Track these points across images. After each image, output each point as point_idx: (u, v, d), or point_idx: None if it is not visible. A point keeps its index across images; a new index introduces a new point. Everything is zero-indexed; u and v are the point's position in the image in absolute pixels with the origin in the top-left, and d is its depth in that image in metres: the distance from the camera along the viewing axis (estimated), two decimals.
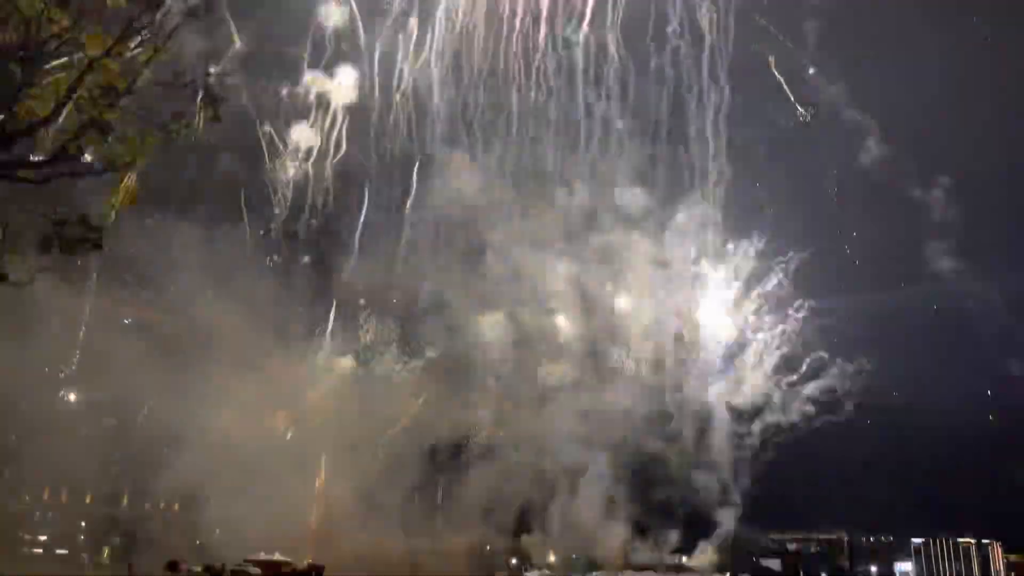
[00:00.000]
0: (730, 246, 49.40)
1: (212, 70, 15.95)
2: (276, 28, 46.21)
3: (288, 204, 48.69)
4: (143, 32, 15.00)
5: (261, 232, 49.04)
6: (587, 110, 49.06)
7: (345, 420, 46.41)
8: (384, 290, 50.33)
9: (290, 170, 48.32)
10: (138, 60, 15.33)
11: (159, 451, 42.38)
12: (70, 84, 15.31)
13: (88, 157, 16.92)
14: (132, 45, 15.09)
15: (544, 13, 46.68)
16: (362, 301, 50.36)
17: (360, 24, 46.96)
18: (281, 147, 47.85)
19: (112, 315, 41.80)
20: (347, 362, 50.03)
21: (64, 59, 15.47)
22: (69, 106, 15.63)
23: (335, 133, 48.40)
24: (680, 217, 49.48)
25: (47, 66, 15.49)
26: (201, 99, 15.50)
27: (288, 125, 47.75)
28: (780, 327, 49.55)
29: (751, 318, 49.88)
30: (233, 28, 43.06)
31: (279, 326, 46.57)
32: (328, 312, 49.50)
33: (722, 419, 50.67)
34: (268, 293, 46.14)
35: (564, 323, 49.94)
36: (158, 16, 14.94)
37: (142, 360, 39.80)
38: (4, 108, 15.64)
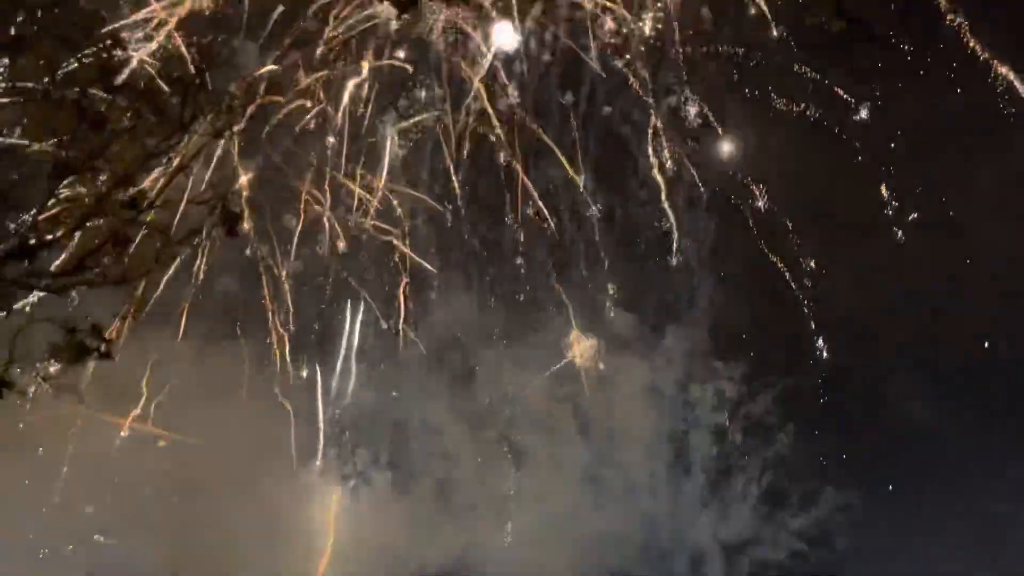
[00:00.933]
0: (718, 364, 49.61)
1: (232, 188, 16.49)
2: (278, 157, 47.55)
3: (285, 323, 49.05)
4: (172, 151, 15.66)
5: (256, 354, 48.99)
6: (571, 238, 50.22)
7: (337, 547, 45.26)
8: (375, 413, 50.05)
9: (287, 291, 48.92)
10: (163, 176, 15.93)
11: (148, 571, 41.16)
12: (97, 198, 15.81)
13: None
14: (160, 162, 15.72)
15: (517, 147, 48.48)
16: (348, 434, 50.01)
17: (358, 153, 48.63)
18: (280, 270, 48.61)
19: (106, 428, 41.27)
20: (337, 488, 49.14)
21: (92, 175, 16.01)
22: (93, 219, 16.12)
23: (331, 256, 49.26)
24: (668, 341, 49.82)
25: (75, 180, 16.03)
26: (220, 215, 16.01)
27: (287, 248, 48.60)
28: (768, 452, 49.16)
29: (738, 439, 49.52)
30: (236, 160, 44.49)
31: (270, 448, 46.02)
32: (319, 435, 49.03)
33: (712, 553, 49.56)
34: (260, 413, 45.79)
35: (558, 446, 49.50)
36: (187, 136, 15.63)
37: (135, 477, 39.20)
38: (30, 221, 16.12)
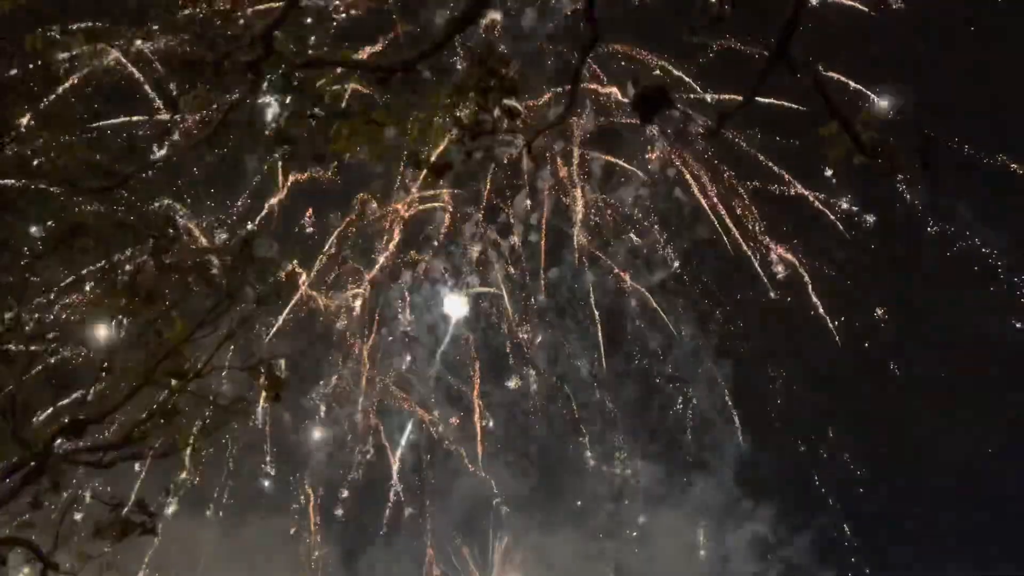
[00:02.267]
0: (748, 505, 47.80)
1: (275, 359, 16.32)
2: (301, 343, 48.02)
3: (314, 501, 47.83)
4: (219, 320, 15.67)
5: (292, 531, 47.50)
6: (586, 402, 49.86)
7: None
8: None
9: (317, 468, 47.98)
10: (210, 346, 15.85)
11: None
12: (145, 372, 15.66)
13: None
14: (208, 332, 15.70)
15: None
16: None
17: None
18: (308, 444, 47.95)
19: None
20: None
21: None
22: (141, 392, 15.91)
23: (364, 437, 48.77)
24: (697, 490, 48.25)
25: (125, 355, 15.95)
26: (266, 381, 15.76)
27: (315, 428, 48.14)
28: None
29: None
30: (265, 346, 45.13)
31: None
32: None
33: None
34: None
35: None
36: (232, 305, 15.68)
37: None
38: (81, 397, 15.97)
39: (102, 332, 15.49)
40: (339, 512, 47.68)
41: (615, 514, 47.55)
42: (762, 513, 48.03)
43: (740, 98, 12.33)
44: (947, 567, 44.47)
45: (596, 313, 47.72)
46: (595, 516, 47.98)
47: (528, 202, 47.42)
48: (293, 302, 43.44)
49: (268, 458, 46.38)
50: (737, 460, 48.52)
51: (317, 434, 47.47)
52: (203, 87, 13.03)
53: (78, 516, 18.10)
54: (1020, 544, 43.26)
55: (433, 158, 14.11)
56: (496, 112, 13.14)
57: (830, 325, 44.07)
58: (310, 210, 45.25)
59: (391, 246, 47.97)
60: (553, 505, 49.05)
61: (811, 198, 43.31)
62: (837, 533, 46.40)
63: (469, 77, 13.09)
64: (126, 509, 17.06)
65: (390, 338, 49.42)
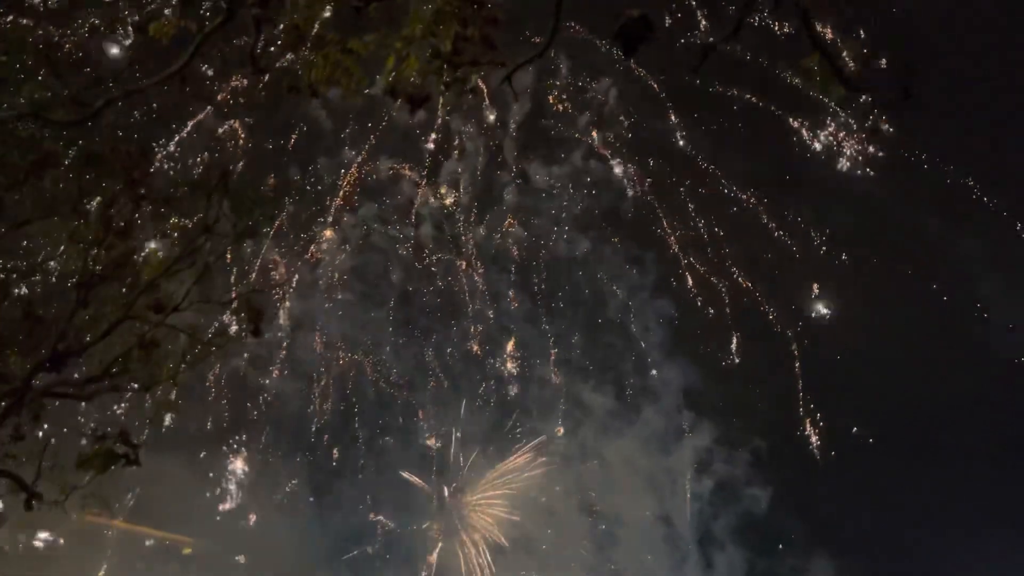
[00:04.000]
0: (689, 431, 48.90)
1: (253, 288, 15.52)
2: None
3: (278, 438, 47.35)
4: (196, 254, 14.76)
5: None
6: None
7: None
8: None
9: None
10: (188, 280, 14.96)
11: None
12: (124, 306, 14.75)
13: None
14: (185, 266, 14.79)
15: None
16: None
17: None
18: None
19: (131, 537, 39.03)
20: None
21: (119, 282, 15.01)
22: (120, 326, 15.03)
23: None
24: (644, 418, 48.97)
25: (102, 289, 14.99)
26: (246, 315, 14.98)
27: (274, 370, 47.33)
28: (739, 508, 47.90)
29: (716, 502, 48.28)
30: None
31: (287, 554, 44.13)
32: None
33: None
34: (271, 521, 44.16)
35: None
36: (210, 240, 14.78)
37: None
38: (59, 331, 15.00)
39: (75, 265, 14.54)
40: (301, 451, 47.49)
41: (571, 443, 48.21)
42: (702, 436, 48.95)
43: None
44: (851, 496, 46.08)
45: (531, 262, 48.28)
46: (552, 446, 48.55)
47: (460, 166, 47.38)
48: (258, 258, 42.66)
49: (226, 395, 45.67)
50: (680, 390, 49.25)
51: (276, 376, 46.90)
52: (172, 14, 11.86)
53: (61, 448, 17.25)
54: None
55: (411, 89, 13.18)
56: (476, 43, 12.24)
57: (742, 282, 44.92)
58: (271, 177, 44.48)
59: (343, 204, 47.48)
60: (510, 438, 49.55)
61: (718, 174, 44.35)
62: (778, 450, 47.59)
63: (449, 5, 12.13)
64: (108, 441, 16.29)
65: (341, 292, 48.93)
